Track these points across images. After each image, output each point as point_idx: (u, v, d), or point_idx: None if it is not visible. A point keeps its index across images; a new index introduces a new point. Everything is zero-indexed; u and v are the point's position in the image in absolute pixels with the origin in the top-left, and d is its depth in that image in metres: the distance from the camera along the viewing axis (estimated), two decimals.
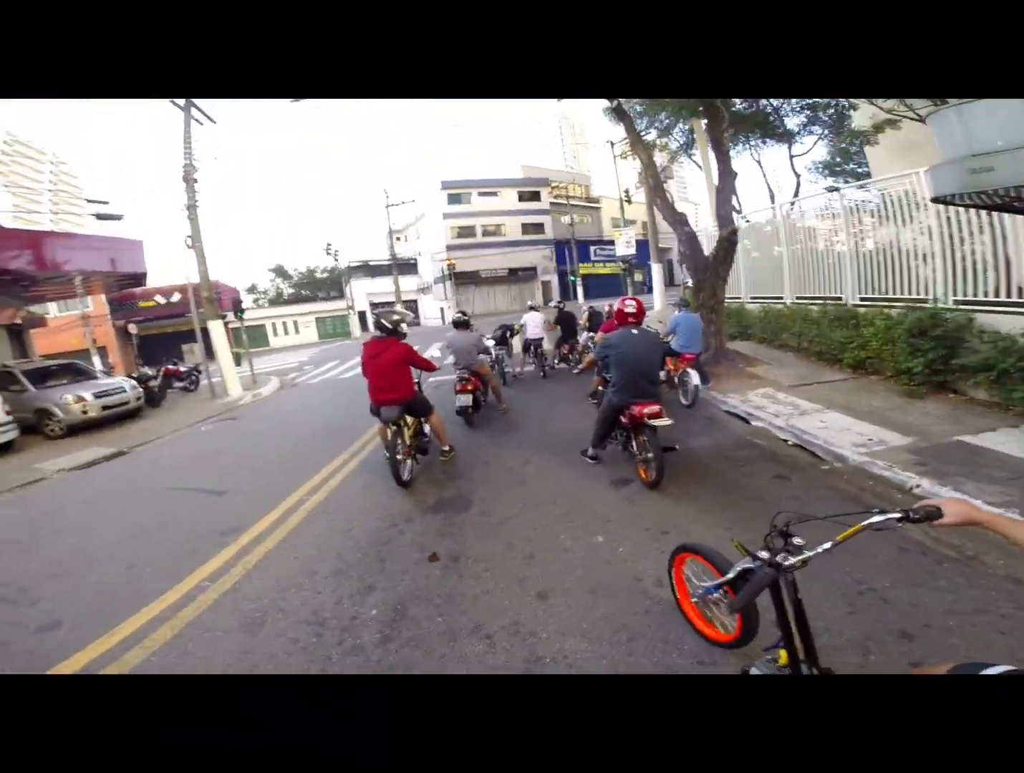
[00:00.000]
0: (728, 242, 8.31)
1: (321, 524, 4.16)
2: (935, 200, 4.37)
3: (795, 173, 17.94)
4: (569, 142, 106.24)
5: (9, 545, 4.60)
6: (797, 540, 1.44)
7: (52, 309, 21.18)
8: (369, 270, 38.82)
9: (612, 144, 18.11)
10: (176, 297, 21.21)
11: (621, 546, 3.30)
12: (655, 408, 3.97)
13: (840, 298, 8.18)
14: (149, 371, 13.51)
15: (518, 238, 35.54)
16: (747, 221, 11.39)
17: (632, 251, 14.15)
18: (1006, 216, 5.61)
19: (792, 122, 16.58)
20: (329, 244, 30.42)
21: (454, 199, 34.98)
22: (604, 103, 15.14)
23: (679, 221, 8.66)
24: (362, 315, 36.51)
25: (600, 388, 5.40)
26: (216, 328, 12.82)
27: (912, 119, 10.44)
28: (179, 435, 9.05)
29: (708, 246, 9.74)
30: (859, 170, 19.02)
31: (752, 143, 17.37)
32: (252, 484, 5.44)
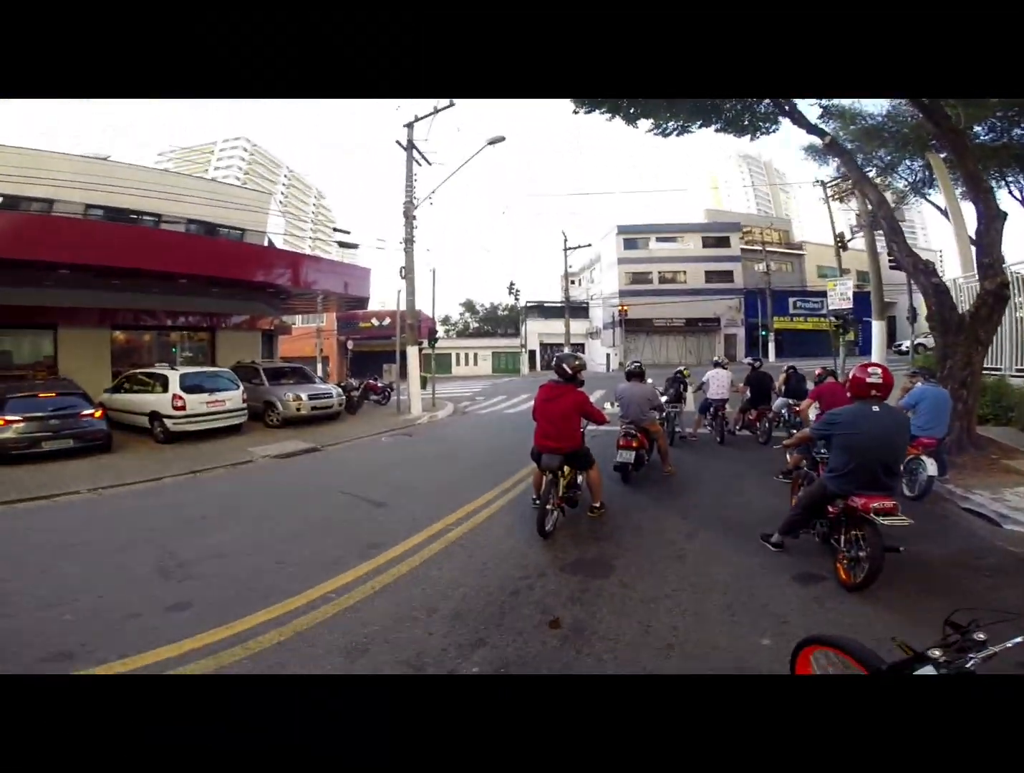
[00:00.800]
0: (995, 297, 6.40)
1: (457, 559, 4.05)
2: None
3: None
4: (760, 184, 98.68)
5: (198, 519, 5.40)
6: (980, 635, 1.30)
7: (297, 320, 26.47)
8: (543, 311, 40.44)
9: (823, 184, 15.92)
10: (387, 321, 24.79)
11: None
12: (888, 503, 3.11)
13: None
14: (354, 382, 15.84)
15: (700, 286, 33.33)
16: (1012, 272, 8.80)
17: (848, 305, 11.95)
18: None
19: None
20: (512, 283, 32.59)
21: (630, 244, 34.53)
22: (807, 140, 13.36)
23: (924, 270, 6.96)
24: (532, 354, 38.09)
25: (802, 467, 4.41)
26: (412, 353, 14.45)
27: None
28: (362, 442, 10.21)
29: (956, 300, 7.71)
30: None
31: (1010, 178, 13.69)
32: (409, 502, 5.68)
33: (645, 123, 9.48)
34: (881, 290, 14.46)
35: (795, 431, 7.18)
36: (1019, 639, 1.27)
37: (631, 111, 9.09)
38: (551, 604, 3.25)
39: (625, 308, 31.20)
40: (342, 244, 16.29)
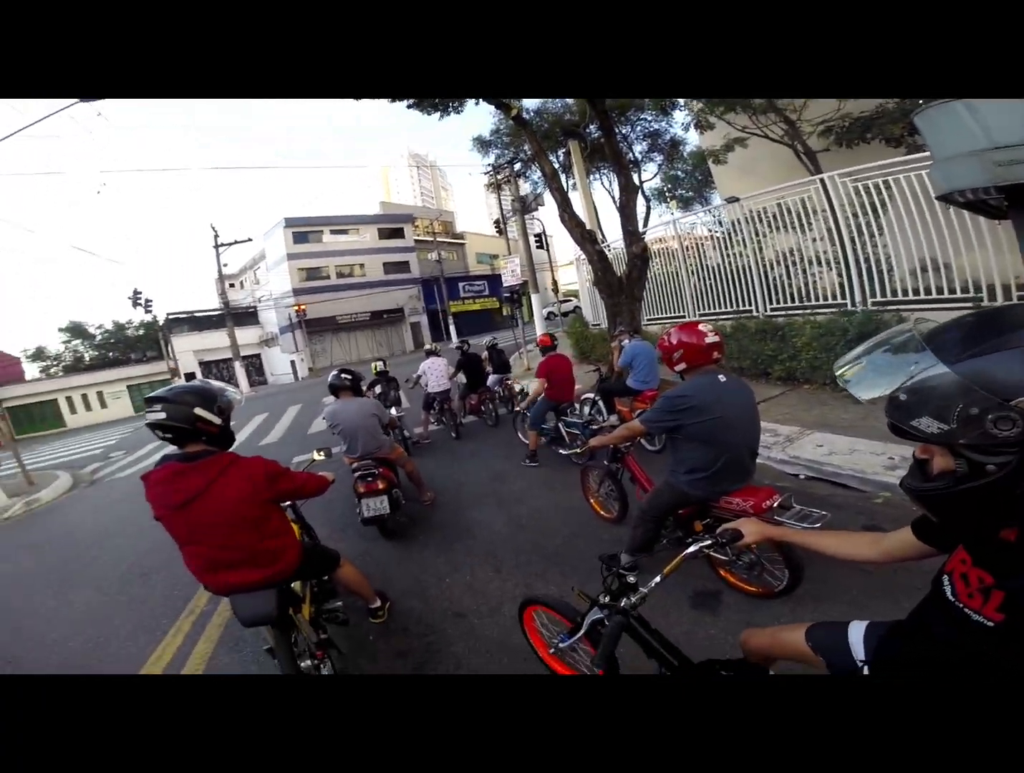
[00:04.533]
0: (641, 260, 7.58)
1: None
2: (942, 198, 3.91)
3: (646, 198, 19.15)
4: (427, 181, 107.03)
5: None
6: (631, 578, 1.58)
7: None
8: (195, 323, 32.56)
9: (494, 167, 17.53)
10: None
11: None
12: (777, 497, 2.49)
13: (750, 310, 7.92)
14: None
15: (380, 278, 33.08)
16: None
17: (519, 280, 13.16)
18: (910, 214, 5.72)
19: (636, 150, 17.76)
20: (138, 292, 23.93)
21: (300, 238, 31.40)
22: (476, 133, 15.03)
23: (589, 239, 7.73)
24: (190, 377, 30.33)
25: (589, 453, 3.59)
26: None
27: (761, 136, 11.24)
28: None
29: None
30: (687, 195, 21.16)
31: (604, 172, 18.27)
32: None
33: None
34: (533, 267, 16.87)
35: (519, 409, 6.47)
36: (657, 579, 1.48)
37: None
38: None
39: (303, 307, 28.11)
40: None
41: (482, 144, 17.76)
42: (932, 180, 3.82)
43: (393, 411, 6.17)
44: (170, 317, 31.92)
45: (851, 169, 6.51)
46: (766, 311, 7.70)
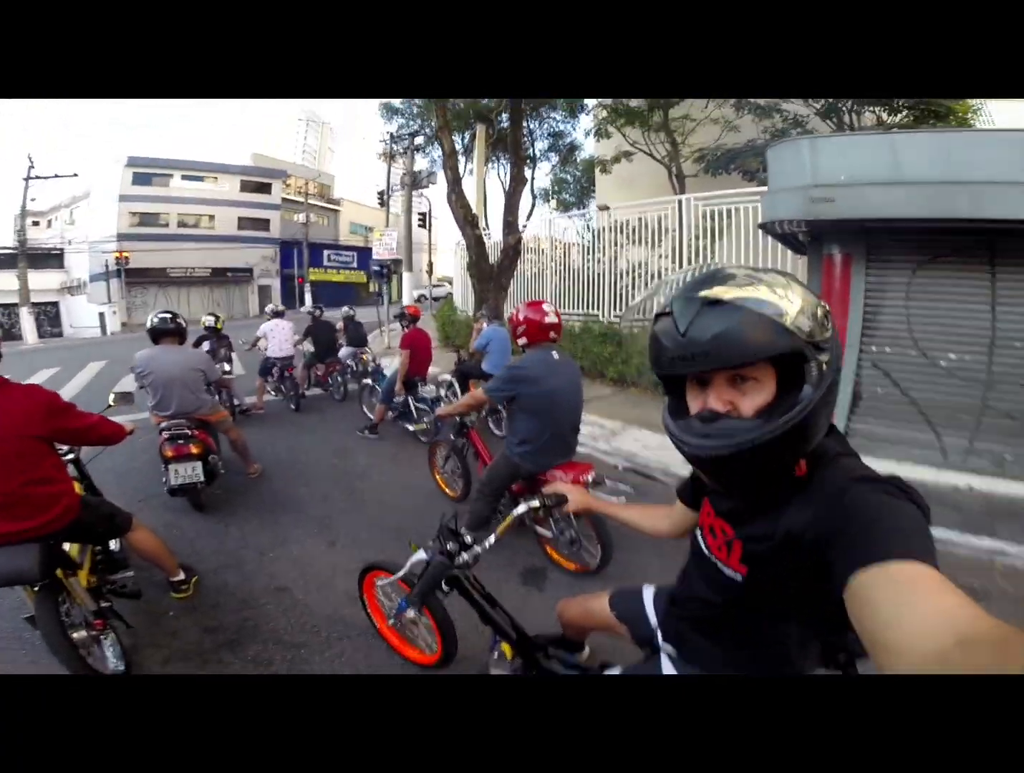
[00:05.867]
0: (514, 250, 7.83)
1: None
2: (763, 226, 4.39)
3: (532, 195, 19.76)
4: (313, 139, 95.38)
5: None
6: (468, 539, 1.60)
7: None
8: None
9: (392, 136, 16.47)
10: None
11: None
12: (591, 471, 2.71)
13: (596, 315, 8.53)
14: None
15: (232, 233, 29.19)
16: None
17: (393, 255, 12.52)
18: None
19: (537, 147, 18.31)
20: None
21: (142, 179, 26.61)
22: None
23: (470, 223, 7.74)
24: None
25: (439, 430, 3.64)
26: None
27: (646, 153, 12.32)
28: None
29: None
30: (570, 200, 22.31)
31: (502, 162, 18.53)
32: None
33: None
34: (411, 245, 16.40)
35: (369, 381, 6.38)
36: (492, 539, 1.52)
37: None
38: None
39: (125, 254, 23.81)
40: None
41: (389, 110, 17.07)
42: (761, 208, 4.32)
43: (226, 366, 5.49)
44: None
45: (705, 193, 7.40)
46: (610, 317, 8.36)
